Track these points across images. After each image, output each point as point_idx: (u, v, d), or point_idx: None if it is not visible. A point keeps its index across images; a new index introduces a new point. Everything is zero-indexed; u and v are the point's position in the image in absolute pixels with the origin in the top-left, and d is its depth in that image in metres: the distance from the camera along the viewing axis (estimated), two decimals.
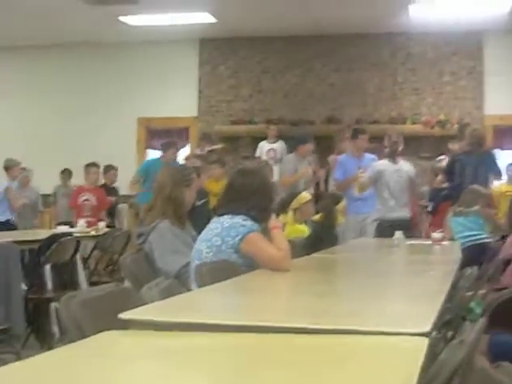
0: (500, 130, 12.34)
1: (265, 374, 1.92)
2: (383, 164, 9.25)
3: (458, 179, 9.47)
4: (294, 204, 7.29)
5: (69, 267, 7.33)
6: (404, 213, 9.12)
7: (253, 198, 4.45)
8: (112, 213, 11.85)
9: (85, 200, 11.03)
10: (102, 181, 12.08)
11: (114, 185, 12.23)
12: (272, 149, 12.40)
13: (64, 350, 2.22)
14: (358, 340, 2.27)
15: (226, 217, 4.38)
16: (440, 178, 10.35)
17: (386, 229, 8.46)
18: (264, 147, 12.47)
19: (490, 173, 9.45)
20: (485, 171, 9.31)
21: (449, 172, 9.81)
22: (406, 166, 9.30)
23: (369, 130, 10.99)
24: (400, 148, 9.54)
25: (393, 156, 9.26)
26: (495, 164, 9.61)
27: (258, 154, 12.44)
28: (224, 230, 4.30)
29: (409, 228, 8.81)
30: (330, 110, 13.01)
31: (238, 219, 4.32)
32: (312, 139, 10.37)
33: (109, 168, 12.14)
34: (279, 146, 12.45)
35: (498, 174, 9.69)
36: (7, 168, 11.24)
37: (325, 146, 11.70)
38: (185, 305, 3.02)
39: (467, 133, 10.19)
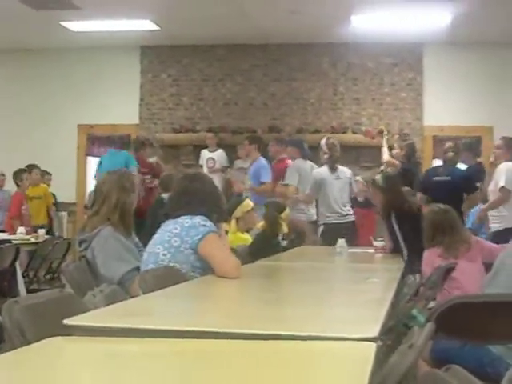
0: (439, 140, 12.46)
1: (209, 380, 1.91)
2: (324, 172, 9.31)
3: None
4: (237, 212, 7.26)
5: (8, 275, 7.21)
6: (348, 217, 9.21)
7: (209, 199, 4.52)
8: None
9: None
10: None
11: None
12: (211, 158, 12.38)
13: (6, 356, 2.17)
14: (306, 346, 2.26)
15: (184, 217, 4.36)
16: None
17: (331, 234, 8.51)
18: (205, 156, 12.46)
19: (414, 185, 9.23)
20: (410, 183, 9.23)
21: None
22: (345, 171, 9.40)
23: (310, 140, 11.04)
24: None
25: (333, 164, 9.31)
26: (417, 177, 9.58)
27: (200, 161, 12.43)
28: (184, 230, 4.28)
29: (354, 232, 8.91)
30: (270, 119, 13.04)
31: (199, 219, 4.32)
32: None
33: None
34: (219, 155, 12.44)
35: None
36: None
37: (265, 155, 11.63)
38: (130, 311, 3.00)
39: (402, 144, 10.29)
